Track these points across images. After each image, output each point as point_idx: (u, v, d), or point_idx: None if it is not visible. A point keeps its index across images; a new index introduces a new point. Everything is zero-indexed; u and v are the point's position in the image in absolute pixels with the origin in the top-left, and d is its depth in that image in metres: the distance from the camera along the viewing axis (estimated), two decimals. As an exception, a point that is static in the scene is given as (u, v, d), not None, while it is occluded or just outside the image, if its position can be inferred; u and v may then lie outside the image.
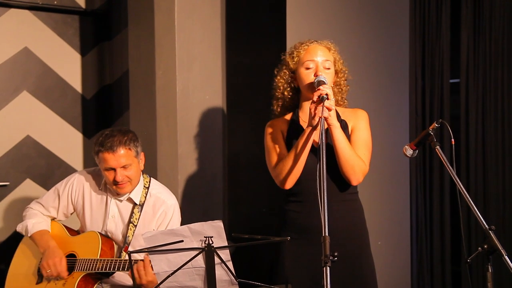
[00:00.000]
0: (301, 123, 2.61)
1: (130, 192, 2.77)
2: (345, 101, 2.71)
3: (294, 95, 2.64)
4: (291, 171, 2.48)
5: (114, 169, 2.66)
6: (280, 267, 2.59)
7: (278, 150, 2.58)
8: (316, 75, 2.49)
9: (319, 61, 2.51)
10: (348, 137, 2.56)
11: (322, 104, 2.31)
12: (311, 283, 2.51)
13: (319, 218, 2.38)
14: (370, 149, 2.61)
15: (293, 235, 2.52)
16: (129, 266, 2.53)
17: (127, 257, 2.72)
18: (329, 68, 2.53)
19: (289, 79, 2.61)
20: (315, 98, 2.36)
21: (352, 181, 2.51)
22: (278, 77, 2.65)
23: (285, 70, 2.62)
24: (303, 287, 2.52)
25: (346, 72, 2.66)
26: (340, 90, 2.66)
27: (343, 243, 2.45)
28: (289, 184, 2.52)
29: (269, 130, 2.64)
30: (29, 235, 2.85)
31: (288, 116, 2.67)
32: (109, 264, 2.64)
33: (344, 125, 2.57)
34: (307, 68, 2.53)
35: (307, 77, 2.52)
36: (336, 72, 2.60)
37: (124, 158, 2.66)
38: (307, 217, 2.54)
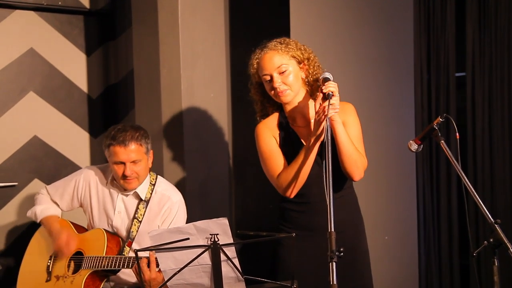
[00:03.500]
0: (292, 126, 2.60)
1: (136, 188, 2.81)
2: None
3: (270, 99, 2.63)
4: (296, 182, 2.46)
5: (124, 163, 2.72)
6: (282, 263, 2.60)
7: (276, 158, 2.55)
8: (274, 87, 2.48)
9: (272, 72, 2.50)
10: None
11: (328, 101, 2.29)
12: (312, 278, 2.51)
13: (319, 217, 2.40)
14: (363, 143, 2.59)
15: (294, 232, 2.54)
16: (134, 263, 2.57)
17: (131, 254, 2.75)
18: (285, 71, 2.49)
19: (259, 89, 2.63)
20: (320, 97, 2.35)
21: (354, 177, 2.48)
22: (251, 88, 2.67)
23: (253, 81, 2.64)
24: (305, 283, 2.53)
25: (311, 53, 2.57)
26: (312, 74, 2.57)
27: (340, 236, 2.44)
28: (293, 193, 2.51)
29: (261, 135, 2.60)
30: (38, 221, 2.92)
31: (275, 117, 2.64)
32: (114, 262, 2.66)
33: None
34: (266, 81, 2.54)
35: (268, 88, 2.54)
36: (300, 62, 2.54)
37: (134, 153, 2.71)
38: (309, 217, 2.56)
